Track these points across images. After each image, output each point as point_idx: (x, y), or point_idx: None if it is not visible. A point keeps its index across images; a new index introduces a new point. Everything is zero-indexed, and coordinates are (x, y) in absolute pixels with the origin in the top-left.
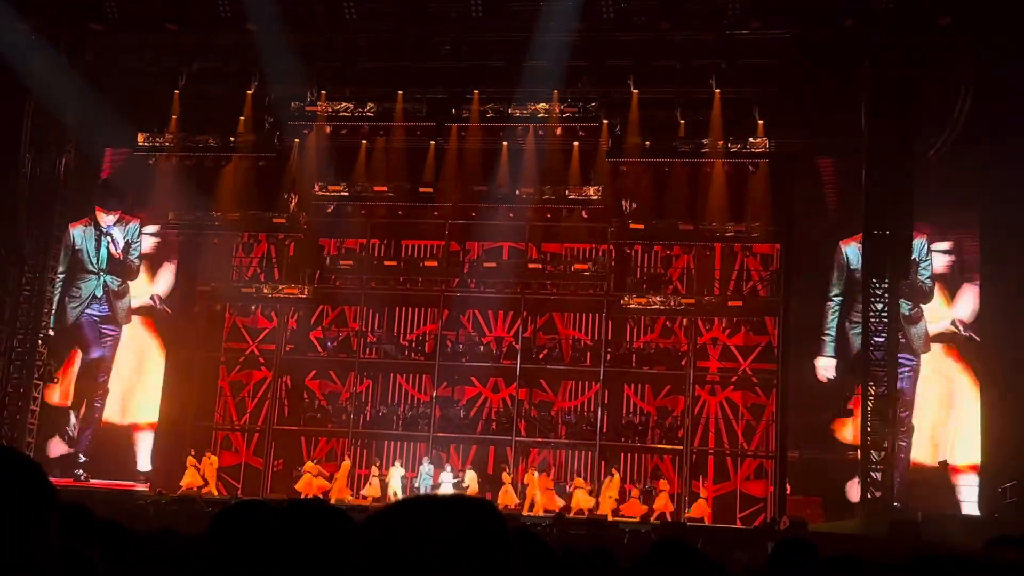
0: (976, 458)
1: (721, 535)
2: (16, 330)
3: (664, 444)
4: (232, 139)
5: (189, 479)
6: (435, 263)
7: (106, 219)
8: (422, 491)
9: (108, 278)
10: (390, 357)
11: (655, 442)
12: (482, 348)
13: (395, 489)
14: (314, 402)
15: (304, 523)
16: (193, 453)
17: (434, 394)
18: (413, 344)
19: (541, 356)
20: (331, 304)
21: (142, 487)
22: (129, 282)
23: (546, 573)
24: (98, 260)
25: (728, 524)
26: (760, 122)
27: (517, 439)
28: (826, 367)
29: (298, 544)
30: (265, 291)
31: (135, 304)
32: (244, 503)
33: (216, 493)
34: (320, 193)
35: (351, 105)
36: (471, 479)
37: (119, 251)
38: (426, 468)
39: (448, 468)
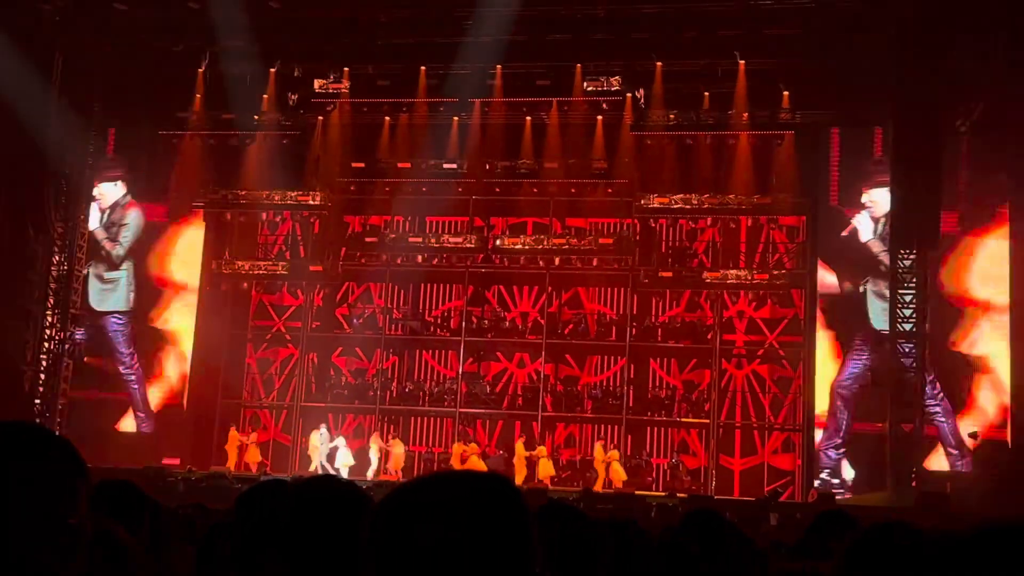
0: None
1: (728, 508)
2: (45, 310)
3: (691, 418)
4: (256, 117)
5: (248, 456)
6: (459, 239)
7: (105, 191)
8: (322, 457)
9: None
10: (416, 333)
11: (681, 416)
12: (507, 324)
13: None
14: (341, 379)
15: (326, 503)
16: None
17: (460, 370)
18: (438, 320)
19: (566, 331)
20: (356, 281)
21: (172, 463)
22: (105, 270)
23: (578, 541)
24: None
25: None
26: (785, 93)
27: (543, 414)
28: None
29: (320, 524)
30: (291, 269)
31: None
32: (268, 483)
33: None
34: (344, 170)
35: (374, 82)
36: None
37: (101, 228)
38: (323, 433)
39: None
